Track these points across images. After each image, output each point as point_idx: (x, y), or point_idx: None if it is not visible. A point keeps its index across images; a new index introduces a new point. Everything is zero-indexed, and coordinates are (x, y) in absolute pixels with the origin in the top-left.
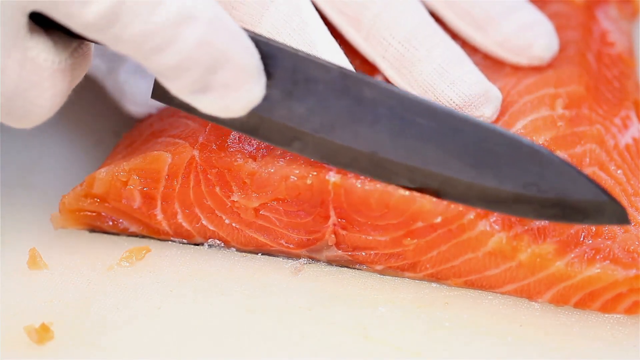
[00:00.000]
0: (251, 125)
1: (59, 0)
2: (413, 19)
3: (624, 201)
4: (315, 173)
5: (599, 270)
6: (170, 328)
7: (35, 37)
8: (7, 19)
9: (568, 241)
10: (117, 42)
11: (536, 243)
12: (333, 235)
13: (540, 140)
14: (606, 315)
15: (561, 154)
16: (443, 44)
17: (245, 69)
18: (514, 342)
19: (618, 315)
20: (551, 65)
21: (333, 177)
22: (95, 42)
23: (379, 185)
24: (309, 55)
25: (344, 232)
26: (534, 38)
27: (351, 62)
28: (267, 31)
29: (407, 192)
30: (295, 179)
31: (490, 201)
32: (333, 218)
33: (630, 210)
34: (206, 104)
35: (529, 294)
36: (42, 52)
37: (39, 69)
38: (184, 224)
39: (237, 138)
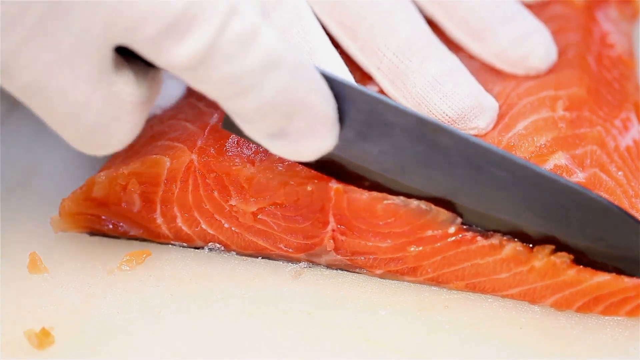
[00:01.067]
0: (322, 163)
1: (150, 37)
2: (407, 29)
3: (625, 204)
4: (316, 181)
5: (608, 277)
6: (171, 333)
7: (119, 71)
8: (94, 53)
9: None
10: (202, 82)
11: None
12: (332, 241)
13: (542, 140)
14: (606, 318)
15: (563, 154)
16: (436, 55)
17: (321, 118)
18: (514, 344)
19: (618, 318)
20: (551, 67)
21: (335, 184)
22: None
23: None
24: (386, 99)
25: (342, 238)
26: (530, 50)
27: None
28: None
29: (424, 206)
30: (294, 184)
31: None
32: (332, 224)
33: (631, 212)
34: (278, 148)
35: (532, 297)
36: (126, 86)
37: (122, 103)
38: (184, 228)
39: (235, 142)
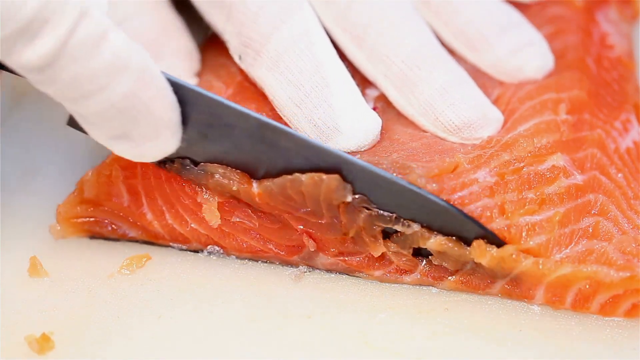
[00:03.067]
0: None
1: (1, 40)
2: (417, 40)
3: (623, 206)
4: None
5: (576, 268)
6: (171, 337)
7: None
8: None
9: (558, 240)
10: (49, 83)
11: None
12: (311, 240)
13: (543, 142)
14: (606, 319)
15: (562, 156)
16: (445, 66)
17: (165, 123)
18: (514, 346)
19: (617, 319)
20: (552, 70)
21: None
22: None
23: None
24: (228, 102)
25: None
26: (525, 61)
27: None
28: (275, 51)
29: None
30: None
31: None
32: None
33: (629, 214)
34: (121, 150)
35: (520, 293)
36: None
37: None
38: (175, 226)
39: None
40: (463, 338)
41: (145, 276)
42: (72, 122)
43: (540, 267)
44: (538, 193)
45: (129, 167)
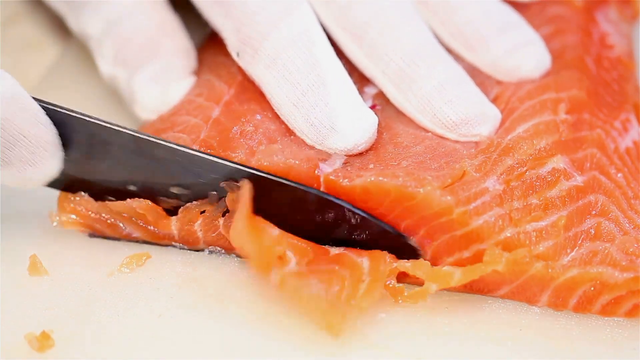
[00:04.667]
0: (67, 181)
1: None
2: (416, 37)
3: (624, 205)
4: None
5: (583, 270)
6: (171, 336)
7: None
8: None
9: (564, 243)
10: None
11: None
12: None
13: (542, 143)
14: (606, 318)
15: (562, 157)
16: (444, 63)
17: (41, 145)
18: (514, 346)
19: (617, 319)
20: (551, 70)
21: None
22: None
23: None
24: (103, 121)
25: None
26: (522, 60)
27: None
28: (273, 48)
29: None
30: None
31: None
32: None
33: (630, 214)
34: (5, 177)
35: (525, 296)
36: None
37: None
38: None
39: (239, 133)
40: (463, 338)
41: (145, 275)
42: None
43: (550, 270)
44: (541, 198)
45: None
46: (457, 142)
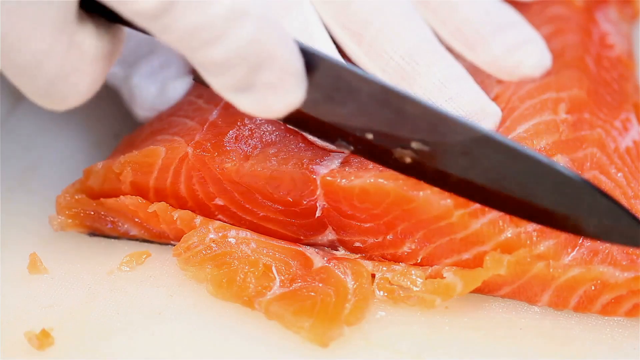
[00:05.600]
0: (295, 119)
1: None
2: (415, 35)
3: (624, 204)
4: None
5: (584, 270)
6: (171, 334)
7: (81, 22)
8: (57, 2)
9: (565, 243)
10: (167, 32)
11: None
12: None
13: (542, 143)
14: (606, 318)
15: (562, 157)
16: (444, 61)
17: (289, 71)
18: (514, 345)
19: (618, 318)
20: (551, 70)
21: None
22: (140, 30)
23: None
24: (352, 67)
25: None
26: (521, 59)
27: None
28: None
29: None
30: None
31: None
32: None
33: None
34: (247, 103)
35: (526, 296)
36: (88, 37)
37: (83, 54)
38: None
39: (234, 137)
40: (463, 337)
41: (145, 273)
42: (196, 76)
43: (551, 270)
44: None
45: (142, 173)
46: None
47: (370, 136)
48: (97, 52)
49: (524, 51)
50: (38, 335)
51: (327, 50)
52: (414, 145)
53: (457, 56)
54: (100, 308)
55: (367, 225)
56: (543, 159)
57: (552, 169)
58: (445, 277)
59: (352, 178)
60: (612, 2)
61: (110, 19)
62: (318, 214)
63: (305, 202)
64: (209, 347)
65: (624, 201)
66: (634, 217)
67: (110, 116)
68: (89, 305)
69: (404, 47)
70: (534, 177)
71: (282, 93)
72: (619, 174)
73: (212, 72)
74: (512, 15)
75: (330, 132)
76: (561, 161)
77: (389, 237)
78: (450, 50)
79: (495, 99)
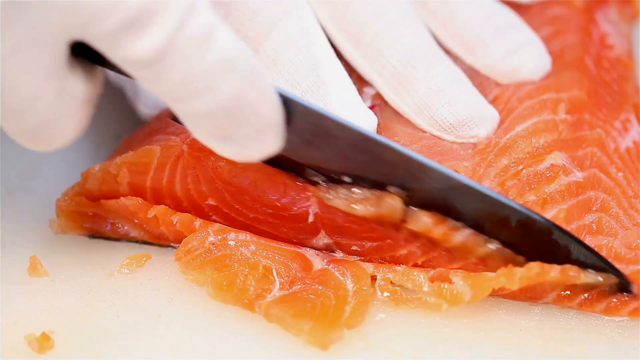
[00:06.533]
0: (271, 160)
1: (109, 31)
2: (413, 39)
3: (624, 204)
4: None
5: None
6: (171, 336)
7: (71, 67)
8: (50, 47)
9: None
10: (156, 81)
11: None
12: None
13: (540, 141)
14: (606, 318)
15: (560, 154)
16: (441, 65)
17: (268, 125)
18: (514, 347)
19: (618, 318)
20: (551, 70)
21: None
22: (125, 75)
23: None
24: (331, 114)
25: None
26: (520, 63)
27: None
28: (272, 49)
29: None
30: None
31: None
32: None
33: (631, 212)
34: (224, 150)
35: (528, 296)
36: (78, 83)
37: (72, 98)
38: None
39: None
40: (463, 338)
41: (145, 275)
42: (174, 116)
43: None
44: (539, 194)
45: (138, 173)
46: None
47: (347, 179)
48: (85, 96)
49: (523, 55)
50: (38, 339)
51: (328, 59)
52: (391, 189)
53: (456, 59)
54: (100, 311)
55: (363, 232)
56: (519, 207)
57: (528, 216)
58: (453, 282)
59: None
60: (612, 2)
61: (96, 62)
62: (311, 219)
63: (296, 209)
64: (209, 349)
65: (624, 200)
66: (601, 257)
67: (111, 117)
68: (89, 307)
69: (401, 51)
70: (510, 222)
71: (259, 144)
72: (620, 174)
73: (194, 122)
74: (511, 17)
75: (307, 172)
76: (560, 157)
77: (388, 241)
78: (448, 53)
79: (494, 101)
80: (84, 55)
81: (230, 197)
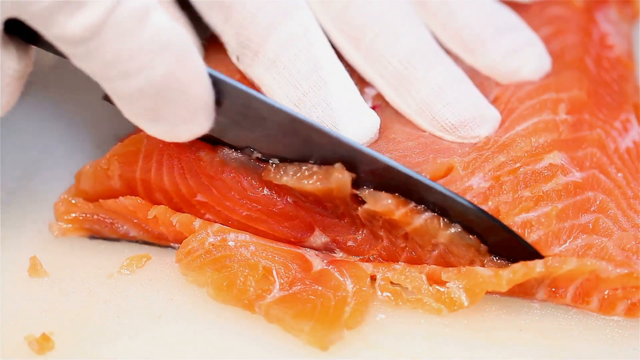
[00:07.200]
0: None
1: (44, 9)
2: (414, 40)
3: (623, 205)
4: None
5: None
6: (171, 337)
7: (4, 45)
8: None
9: (557, 233)
10: (89, 59)
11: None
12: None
13: (540, 141)
14: (606, 318)
15: (559, 153)
16: (442, 65)
17: (200, 105)
18: (514, 347)
19: (617, 318)
20: (551, 70)
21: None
22: (58, 54)
23: None
24: (261, 96)
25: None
26: (521, 64)
27: None
28: (273, 50)
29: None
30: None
31: None
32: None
33: (629, 213)
34: (154, 131)
35: (522, 292)
36: (10, 60)
37: (3, 77)
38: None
39: None
40: (462, 338)
41: (145, 276)
42: (108, 97)
43: (549, 263)
44: (534, 191)
45: (127, 164)
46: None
47: (275, 160)
48: (17, 74)
49: (523, 55)
50: (38, 339)
51: (326, 55)
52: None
53: (456, 59)
54: (100, 311)
55: (344, 222)
56: (440, 187)
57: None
58: (447, 287)
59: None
60: (612, 2)
61: (28, 41)
62: (290, 209)
63: (279, 200)
64: (209, 350)
65: (623, 201)
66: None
67: (111, 117)
68: (89, 308)
69: (402, 52)
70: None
71: (189, 124)
72: (619, 174)
73: (125, 101)
74: (511, 18)
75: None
76: (558, 157)
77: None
78: (449, 53)
79: (494, 101)
80: (16, 33)
81: (218, 193)
